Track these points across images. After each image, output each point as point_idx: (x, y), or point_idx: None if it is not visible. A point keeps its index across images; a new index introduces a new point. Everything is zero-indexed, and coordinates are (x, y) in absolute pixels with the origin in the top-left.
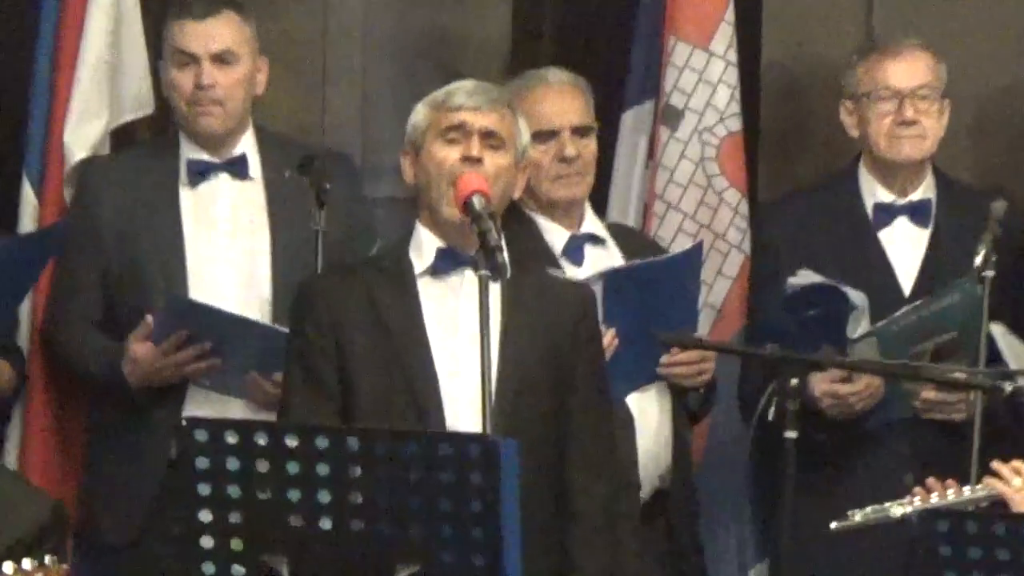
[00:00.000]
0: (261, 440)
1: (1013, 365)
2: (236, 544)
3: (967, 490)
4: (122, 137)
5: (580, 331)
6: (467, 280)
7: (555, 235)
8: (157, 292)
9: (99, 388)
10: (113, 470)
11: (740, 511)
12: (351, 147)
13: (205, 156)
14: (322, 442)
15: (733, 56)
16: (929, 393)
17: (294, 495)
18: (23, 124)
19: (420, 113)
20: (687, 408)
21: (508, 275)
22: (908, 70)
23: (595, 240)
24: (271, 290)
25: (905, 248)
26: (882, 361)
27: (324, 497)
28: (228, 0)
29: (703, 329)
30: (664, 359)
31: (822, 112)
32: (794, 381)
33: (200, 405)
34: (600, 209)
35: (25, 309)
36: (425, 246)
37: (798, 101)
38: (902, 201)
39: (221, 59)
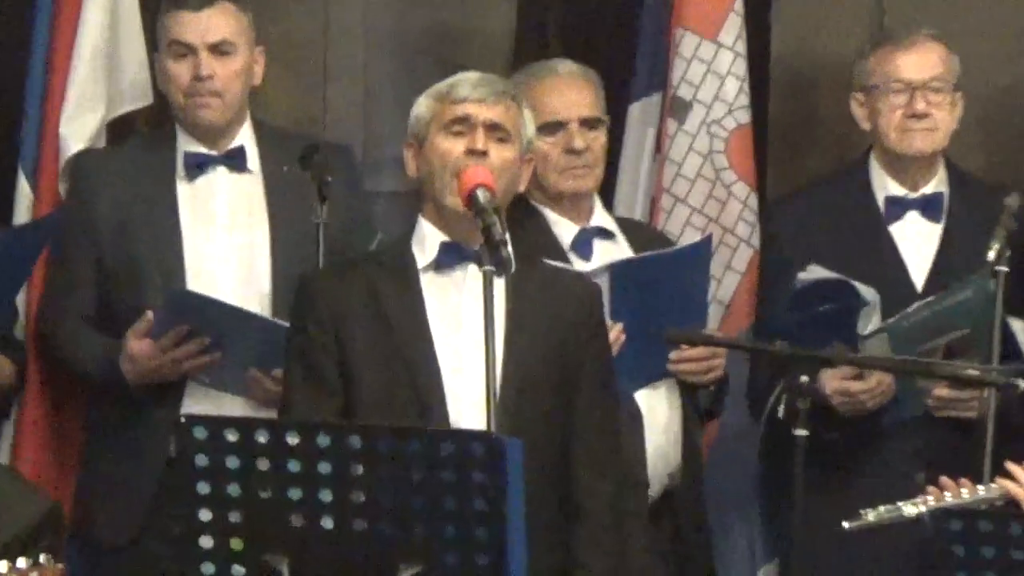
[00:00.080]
0: (262, 438)
1: None
2: (236, 544)
3: (981, 489)
4: (119, 129)
5: (585, 326)
6: (470, 275)
7: (563, 228)
8: (154, 288)
9: (96, 386)
10: (111, 469)
11: (749, 510)
12: (352, 141)
13: (202, 149)
14: (324, 440)
15: (742, 47)
16: (942, 390)
17: (295, 494)
18: (19, 116)
19: (423, 105)
20: (697, 406)
21: (512, 270)
22: (920, 62)
23: (604, 234)
24: (271, 285)
25: (917, 243)
26: (894, 358)
27: (326, 496)
28: None
29: (712, 325)
30: (673, 355)
31: (833, 104)
32: (804, 378)
33: (199, 403)
34: (606, 203)
35: (20, 305)
36: (428, 240)
37: (808, 93)
38: (914, 195)
39: (219, 50)
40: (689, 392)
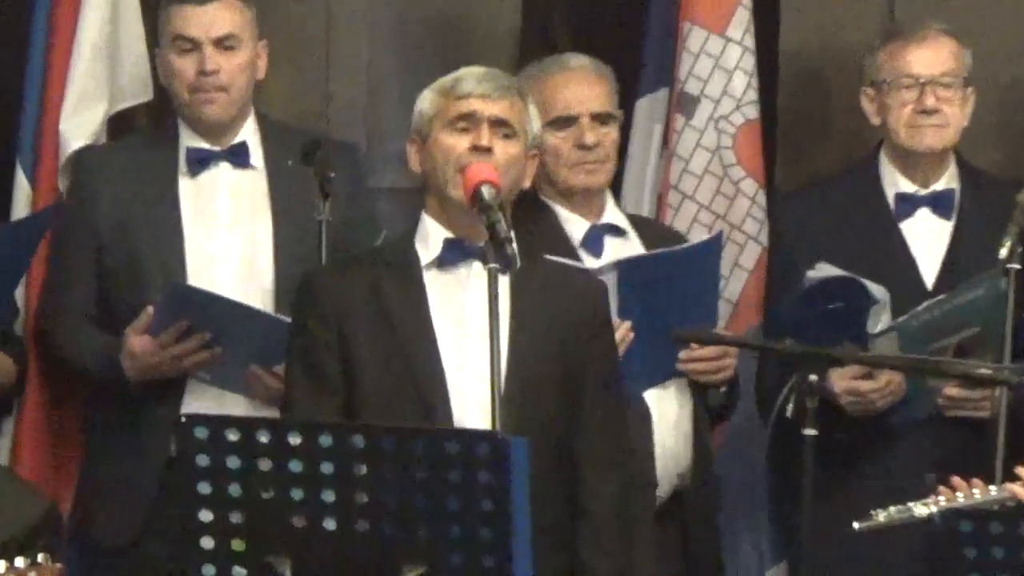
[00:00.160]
0: (263, 437)
1: None
2: (237, 545)
3: (993, 490)
4: (119, 125)
5: (590, 324)
6: (475, 272)
7: (574, 225)
8: (154, 286)
9: (96, 384)
10: (111, 468)
11: (757, 511)
12: (355, 137)
13: (205, 144)
14: (326, 439)
15: (750, 42)
16: (952, 390)
17: (297, 494)
18: (16, 111)
19: (427, 100)
20: (708, 406)
21: (517, 268)
22: (930, 57)
23: (616, 231)
24: (273, 281)
25: (927, 240)
26: (904, 356)
27: (328, 496)
28: None
29: (719, 323)
30: (683, 355)
31: (842, 100)
32: (813, 377)
33: (199, 400)
34: (613, 199)
35: (19, 302)
36: (432, 237)
37: (817, 88)
38: (924, 192)
39: (223, 44)
40: (700, 392)
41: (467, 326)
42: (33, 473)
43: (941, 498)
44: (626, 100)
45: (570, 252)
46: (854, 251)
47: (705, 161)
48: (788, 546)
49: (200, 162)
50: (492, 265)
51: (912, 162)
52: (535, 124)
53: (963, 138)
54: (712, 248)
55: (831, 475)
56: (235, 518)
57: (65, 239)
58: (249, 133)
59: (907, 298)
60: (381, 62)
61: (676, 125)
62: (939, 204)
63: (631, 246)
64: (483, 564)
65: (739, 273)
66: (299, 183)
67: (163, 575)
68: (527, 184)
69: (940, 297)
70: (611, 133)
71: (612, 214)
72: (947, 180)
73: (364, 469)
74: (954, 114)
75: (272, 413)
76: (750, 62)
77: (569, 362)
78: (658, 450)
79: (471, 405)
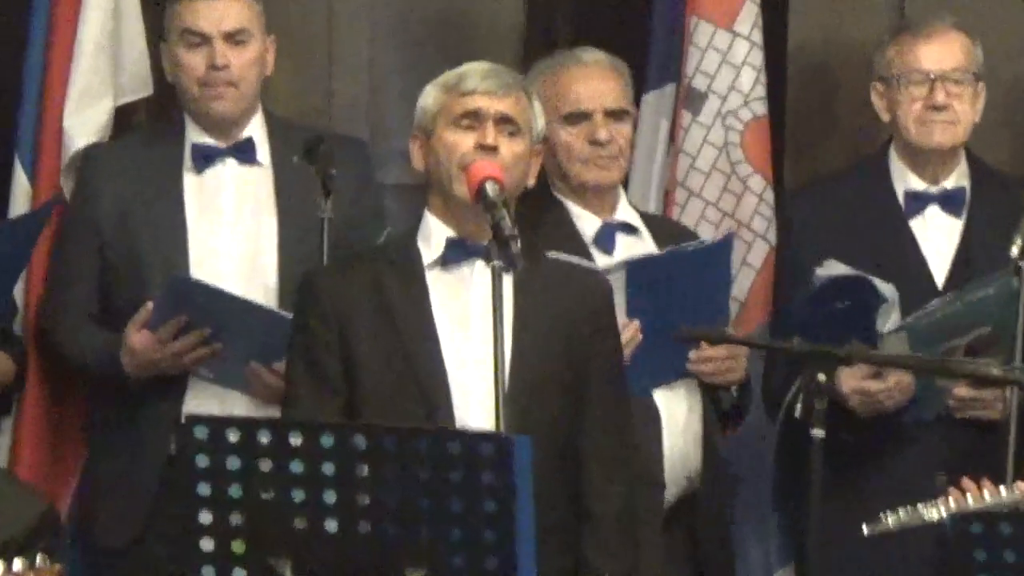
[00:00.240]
0: (264, 438)
1: None
2: (238, 547)
3: (1003, 492)
4: (119, 120)
5: (594, 322)
6: (477, 271)
7: (586, 222)
8: (156, 283)
9: (97, 382)
10: (112, 468)
11: (764, 513)
12: (358, 133)
13: (211, 141)
14: (327, 440)
15: (758, 36)
16: (963, 390)
17: (298, 495)
18: (15, 108)
19: (431, 96)
20: (718, 408)
21: (521, 267)
22: (941, 52)
23: (628, 229)
24: (277, 279)
25: (938, 238)
26: (913, 356)
27: (330, 497)
28: None
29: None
30: (693, 355)
31: (852, 95)
32: (822, 377)
33: (202, 399)
34: None
35: (19, 300)
36: (434, 236)
37: (827, 84)
38: (934, 189)
39: (234, 39)
40: (711, 394)
41: (470, 325)
42: (33, 471)
43: (951, 500)
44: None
45: (582, 249)
46: (863, 249)
47: (712, 158)
48: (796, 548)
49: (206, 158)
50: (496, 263)
51: (922, 159)
52: (540, 121)
53: (974, 134)
54: (723, 248)
55: (840, 476)
56: (235, 519)
57: (67, 236)
58: (256, 129)
59: (917, 297)
60: (383, 59)
61: (683, 121)
62: (949, 202)
63: (643, 244)
64: (486, 566)
65: (747, 271)
66: (305, 180)
67: None
68: (531, 182)
69: (950, 296)
70: (625, 129)
71: (625, 211)
72: (957, 177)
73: (366, 470)
74: (964, 110)
75: (275, 412)
76: (758, 57)
77: (573, 360)
78: (666, 451)
79: (474, 404)
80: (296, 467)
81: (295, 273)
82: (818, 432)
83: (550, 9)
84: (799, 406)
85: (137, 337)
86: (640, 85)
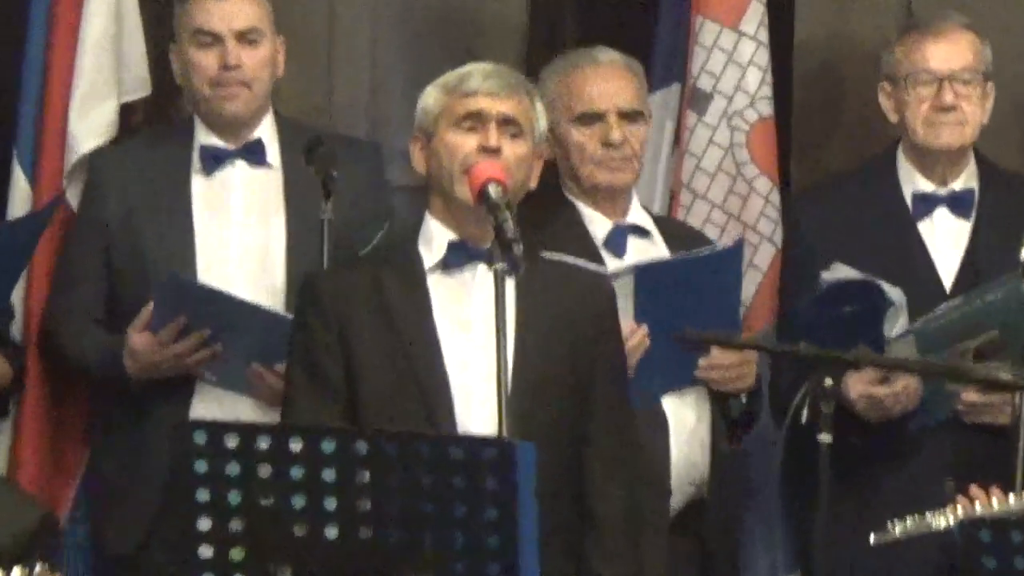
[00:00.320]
0: (263, 443)
1: None
2: (237, 554)
3: (1012, 499)
4: (118, 120)
5: (598, 325)
6: (479, 275)
7: (597, 224)
8: None
9: (101, 385)
10: (119, 473)
11: (771, 519)
12: (359, 132)
13: (220, 142)
14: (328, 445)
15: (764, 36)
16: (971, 395)
17: (298, 502)
18: (14, 109)
19: (432, 97)
20: (728, 416)
21: (523, 271)
22: (949, 52)
23: (640, 232)
24: (285, 281)
25: (946, 241)
26: (921, 360)
27: (330, 504)
28: None
29: None
30: (702, 362)
31: (859, 96)
32: (829, 381)
33: (208, 403)
34: None
35: (18, 304)
36: (435, 239)
37: (834, 84)
38: (943, 191)
39: (246, 38)
40: (720, 401)
41: (471, 328)
42: (33, 474)
43: (959, 508)
44: None
45: (592, 251)
46: (870, 251)
47: (718, 159)
48: (803, 555)
49: (215, 160)
50: (499, 266)
51: (930, 160)
52: (542, 122)
53: (983, 135)
54: (733, 255)
55: (847, 482)
56: (234, 526)
57: (74, 238)
58: (266, 130)
59: (925, 300)
60: (386, 54)
61: (688, 122)
62: (958, 204)
63: (655, 248)
64: (489, 572)
65: (753, 274)
66: (315, 182)
67: None
68: (533, 184)
69: (959, 300)
70: (639, 131)
71: (637, 214)
72: (966, 179)
73: (367, 476)
74: (973, 111)
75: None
76: (764, 57)
77: (576, 363)
78: (674, 458)
79: (475, 408)
80: (296, 473)
81: (303, 275)
82: (825, 437)
83: (554, 8)
84: (806, 411)
85: (138, 339)
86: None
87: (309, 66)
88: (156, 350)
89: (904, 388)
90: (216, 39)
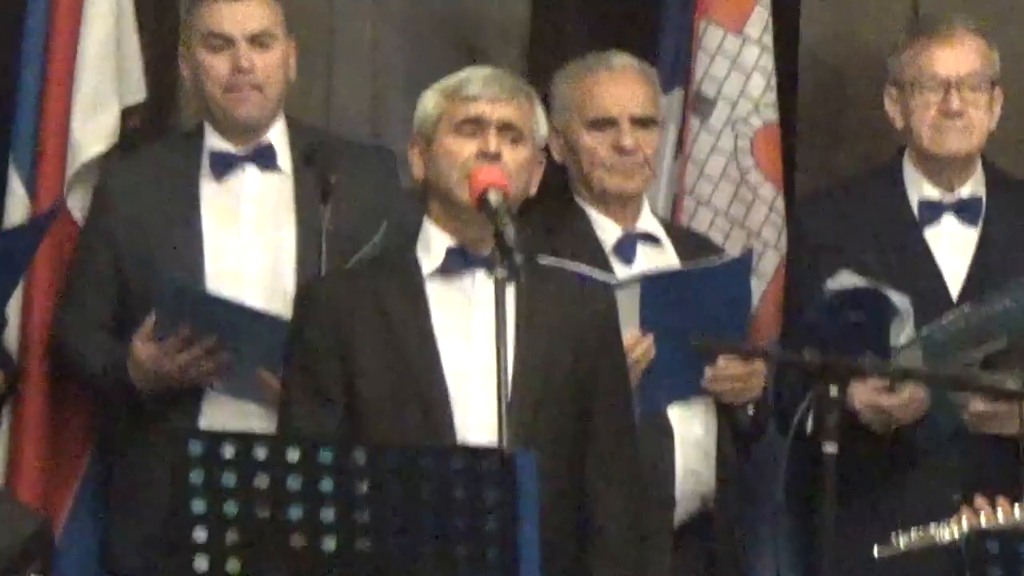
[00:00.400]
0: (260, 453)
1: None
2: (233, 566)
3: (1018, 512)
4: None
5: (600, 333)
6: (479, 282)
7: (607, 230)
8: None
9: (109, 396)
10: (126, 487)
11: (776, 530)
12: (359, 133)
13: (230, 147)
14: (326, 456)
15: (769, 41)
16: (979, 405)
17: (296, 513)
18: (12, 116)
19: (431, 101)
20: (736, 427)
21: (523, 278)
22: (956, 57)
23: (650, 239)
24: (295, 287)
25: (953, 248)
26: (927, 369)
27: (328, 514)
28: None
29: None
30: (708, 373)
31: (865, 102)
32: (834, 391)
33: (217, 414)
34: None
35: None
36: (434, 245)
37: (839, 90)
38: (949, 198)
39: (258, 41)
40: (727, 412)
41: (471, 335)
42: (32, 482)
43: (965, 520)
44: None
45: (600, 258)
46: (877, 259)
47: (722, 165)
48: (807, 566)
49: (225, 165)
50: (500, 273)
51: (937, 167)
52: (543, 127)
53: (990, 141)
54: (742, 266)
55: (852, 492)
56: (231, 537)
57: (83, 247)
58: (277, 135)
59: (931, 308)
60: (387, 53)
61: (691, 128)
62: (965, 211)
63: (664, 255)
64: None
65: (757, 281)
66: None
67: None
68: (534, 190)
69: (966, 308)
70: (651, 138)
71: (647, 221)
72: (973, 186)
73: (366, 486)
74: (980, 117)
75: None
76: (769, 62)
77: (578, 371)
78: (679, 469)
79: (475, 416)
80: (294, 483)
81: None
82: (830, 447)
83: (557, 11)
84: (811, 420)
85: (143, 349)
86: None
87: (308, 63)
88: (160, 360)
89: (910, 398)
90: (228, 42)
